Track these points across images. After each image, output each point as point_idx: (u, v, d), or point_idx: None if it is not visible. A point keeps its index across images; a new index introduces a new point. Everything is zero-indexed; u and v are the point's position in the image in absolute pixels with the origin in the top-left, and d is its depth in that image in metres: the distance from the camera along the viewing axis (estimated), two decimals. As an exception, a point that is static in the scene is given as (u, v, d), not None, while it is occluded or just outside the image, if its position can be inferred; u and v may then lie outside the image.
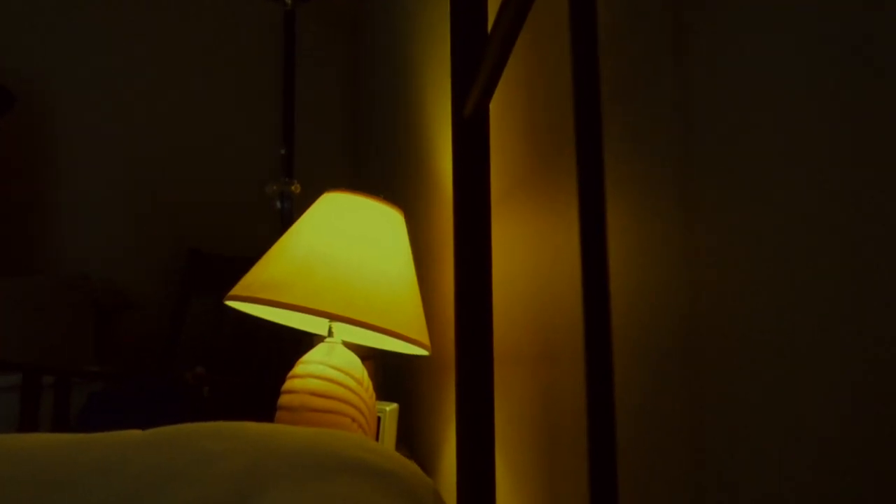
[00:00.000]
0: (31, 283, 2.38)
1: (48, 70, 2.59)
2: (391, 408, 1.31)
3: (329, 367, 1.09)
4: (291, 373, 1.11)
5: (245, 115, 2.69)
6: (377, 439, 1.30)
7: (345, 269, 1.06)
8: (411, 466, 0.63)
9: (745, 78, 0.46)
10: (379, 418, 1.30)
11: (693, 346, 0.52)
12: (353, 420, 1.09)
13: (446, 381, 1.29)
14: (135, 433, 0.67)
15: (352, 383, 1.10)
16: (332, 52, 2.79)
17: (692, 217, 0.52)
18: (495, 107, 0.93)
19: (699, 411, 0.51)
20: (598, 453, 0.46)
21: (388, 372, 1.59)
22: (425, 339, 1.12)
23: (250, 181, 2.65)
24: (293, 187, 2.60)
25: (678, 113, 0.54)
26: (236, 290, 1.10)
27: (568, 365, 0.77)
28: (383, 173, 2.15)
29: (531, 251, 0.86)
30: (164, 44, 2.67)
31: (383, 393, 1.57)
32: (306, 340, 1.62)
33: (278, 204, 2.60)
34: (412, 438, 1.55)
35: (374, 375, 1.48)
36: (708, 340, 0.50)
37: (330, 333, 1.17)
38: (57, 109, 2.59)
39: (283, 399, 1.09)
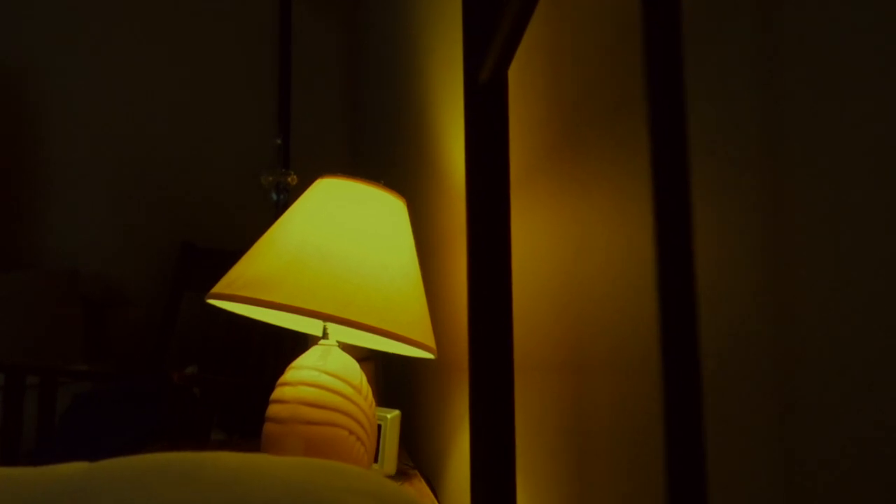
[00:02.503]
0: (16, 277, 2.25)
1: (34, 56, 2.45)
2: (393, 415, 1.17)
3: (323, 374, 0.96)
4: (281, 380, 0.98)
5: (239, 103, 2.55)
6: (377, 449, 1.17)
7: (340, 263, 0.92)
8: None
9: (850, 34, 0.33)
10: (379, 426, 1.17)
11: (782, 350, 0.39)
12: (351, 432, 0.96)
13: (453, 386, 1.16)
14: (79, 467, 0.54)
15: (349, 391, 0.97)
16: (329, 33, 2.65)
17: (779, 202, 0.39)
18: (514, 75, 0.79)
19: (791, 421, 0.38)
20: (682, 477, 0.33)
21: (388, 374, 1.46)
22: (431, 342, 0.99)
23: (245, 172, 2.51)
24: (289, 178, 2.47)
25: (762, 75, 0.41)
26: (219, 287, 0.96)
27: (601, 373, 0.64)
28: (384, 160, 2.01)
29: (556, 241, 0.72)
30: (155, 30, 2.52)
31: (383, 397, 1.43)
32: (305, 337, 1.49)
33: (274, 195, 2.47)
34: (415, 446, 1.42)
35: (372, 378, 1.35)
36: (799, 344, 0.37)
37: (324, 335, 1.03)
38: (42, 97, 2.45)
39: (272, 410, 0.95)
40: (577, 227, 0.68)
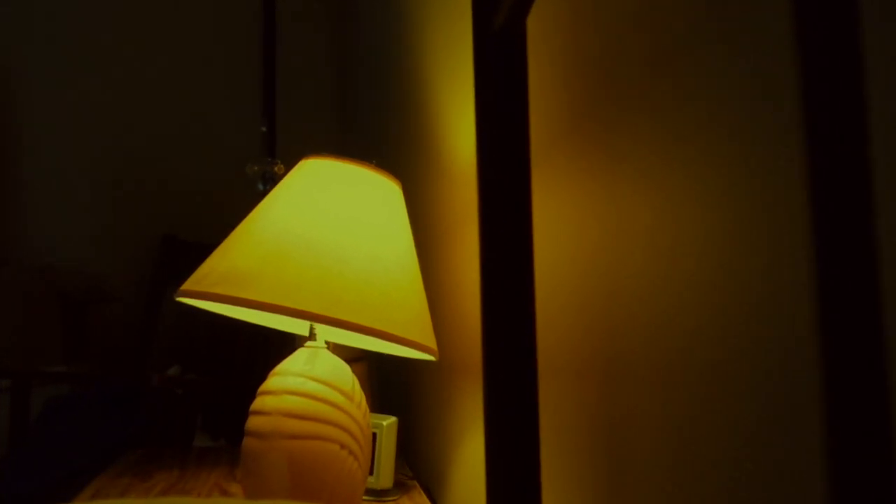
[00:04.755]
0: (-13, 274, 2.11)
1: (9, 45, 2.29)
2: (389, 422, 1.05)
3: (310, 380, 0.83)
4: (262, 388, 0.85)
5: (222, 88, 2.40)
6: (373, 460, 1.04)
7: (327, 255, 0.79)
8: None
9: None
10: (374, 435, 1.04)
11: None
12: (343, 446, 0.83)
13: (456, 388, 1.03)
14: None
15: (339, 399, 0.84)
16: (314, 10, 2.50)
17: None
18: (535, 25, 0.67)
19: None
20: None
21: (383, 375, 1.33)
22: (431, 343, 0.86)
23: (229, 161, 2.37)
24: (276, 167, 2.33)
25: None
26: (189, 283, 0.83)
27: (642, 381, 0.52)
28: (377, 140, 1.88)
29: (587, 224, 0.60)
30: (134, 14, 2.37)
31: (378, 401, 1.31)
32: (294, 335, 1.36)
33: (260, 185, 2.33)
34: (414, 455, 1.30)
35: (365, 380, 1.22)
36: None
37: (311, 335, 0.90)
38: (17, 84, 2.29)
39: (252, 423, 0.83)
40: (614, 208, 0.55)
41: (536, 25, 0.65)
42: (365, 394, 0.91)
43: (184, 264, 2.24)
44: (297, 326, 1.00)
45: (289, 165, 2.53)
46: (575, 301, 0.61)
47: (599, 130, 0.58)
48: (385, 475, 1.04)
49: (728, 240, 0.42)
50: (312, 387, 0.83)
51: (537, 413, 0.58)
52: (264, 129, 2.36)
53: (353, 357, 1.19)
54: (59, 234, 2.27)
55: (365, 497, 1.02)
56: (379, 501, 1.02)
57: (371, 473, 1.03)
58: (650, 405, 0.51)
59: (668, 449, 0.48)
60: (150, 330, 2.12)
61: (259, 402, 0.83)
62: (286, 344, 1.70)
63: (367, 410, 0.89)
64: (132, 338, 2.21)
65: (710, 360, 0.44)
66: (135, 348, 2.15)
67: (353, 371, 0.92)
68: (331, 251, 0.80)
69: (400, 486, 1.09)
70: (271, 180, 2.32)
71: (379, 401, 1.31)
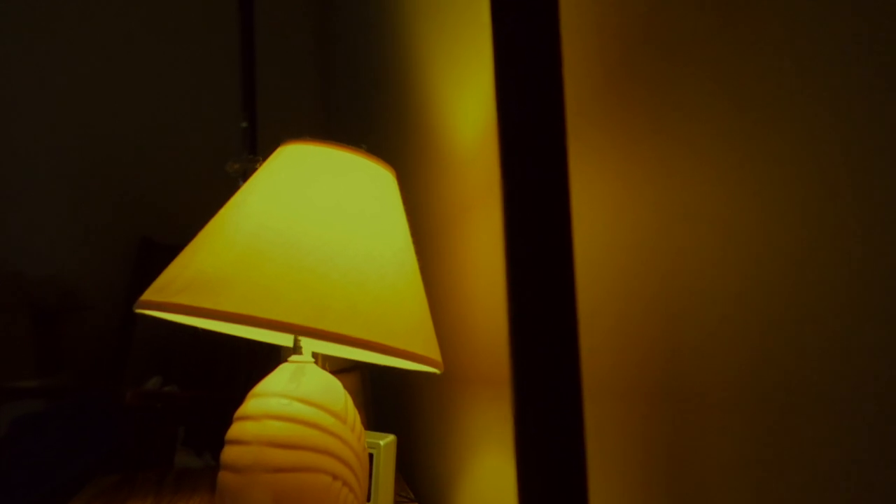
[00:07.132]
0: (-49, 285, 1.97)
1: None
2: (386, 441, 0.92)
3: (295, 401, 0.71)
4: (240, 412, 0.72)
5: (200, 82, 2.26)
6: (370, 483, 0.91)
7: (312, 254, 0.67)
8: None
9: None
10: (371, 456, 0.92)
11: None
12: (336, 477, 0.71)
13: (463, 399, 0.91)
14: None
15: (330, 422, 0.71)
16: None
17: None
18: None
19: None
20: None
21: (377, 385, 1.20)
22: (435, 354, 0.74)
23: (209, 159, 2.23)
24: (258, 165, 2.19)
25: None
26: (150, 292, 0.70)
27: (711, 400, 0.40)
28: (367, 128, 1.75)
29: (640, 207, 0.47)
30: (109, 11, 2.22)
31: (372, 416, 1.18)
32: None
33: (241, 184, 2.20)
34: (413, 472, 1.17)
35: (359, 393, 1.10)
36: None
37: (296, 348, 0.78)
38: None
39: (229, 454, 0.70)
40: (670, 188, 0.43)
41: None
42: (358, 408, 0.79)
43: (162, 269, 2.10)
44: (280, 338, 0.87)
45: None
46: (623, 298, 0.49)
47: (642, 92, 0.46)
48: (384, 500, 0.91)
49: (812, 227, 0.31)
50: (298, 409, 0.70)
51: (583, 439, 0.45)
52: (245, 124, 2.21)
53: (344, 367, 1.06)
54: (28, 239, 2.13)
55: (362, 526, 0.89)
56: (378, 530, 0.90)
57: (368, 499, 0.91)
58: (726, 428, 0.39)
59: (749, 490, 0.37)
60: (128, 339, 1.98)
61: (237, 430, 0.70)
62: (275, 350, 1.56)
63: (362, 432, 0.77)
64: (109, 348, 2.07)
65: (797, 376, 0.32)
66: (111, 359, 2.01)
67: (344, 383, 0.79)
68: (315, 250, 0.67)
69: (400, 511, 0.97)
70: (253, 178, 2.19)
71: (374, 415, 1.19)
